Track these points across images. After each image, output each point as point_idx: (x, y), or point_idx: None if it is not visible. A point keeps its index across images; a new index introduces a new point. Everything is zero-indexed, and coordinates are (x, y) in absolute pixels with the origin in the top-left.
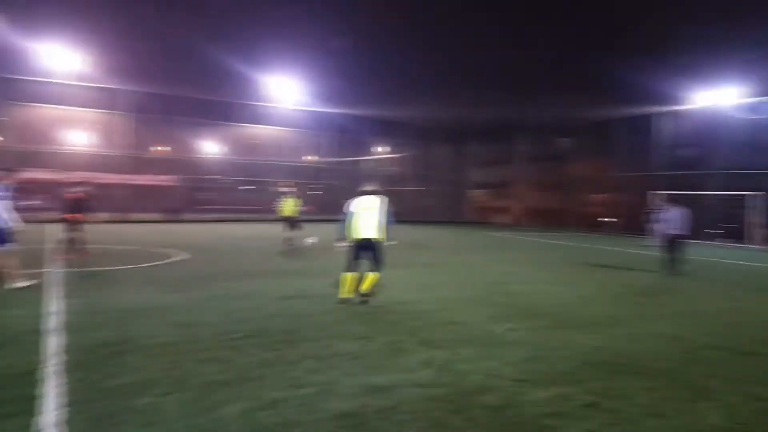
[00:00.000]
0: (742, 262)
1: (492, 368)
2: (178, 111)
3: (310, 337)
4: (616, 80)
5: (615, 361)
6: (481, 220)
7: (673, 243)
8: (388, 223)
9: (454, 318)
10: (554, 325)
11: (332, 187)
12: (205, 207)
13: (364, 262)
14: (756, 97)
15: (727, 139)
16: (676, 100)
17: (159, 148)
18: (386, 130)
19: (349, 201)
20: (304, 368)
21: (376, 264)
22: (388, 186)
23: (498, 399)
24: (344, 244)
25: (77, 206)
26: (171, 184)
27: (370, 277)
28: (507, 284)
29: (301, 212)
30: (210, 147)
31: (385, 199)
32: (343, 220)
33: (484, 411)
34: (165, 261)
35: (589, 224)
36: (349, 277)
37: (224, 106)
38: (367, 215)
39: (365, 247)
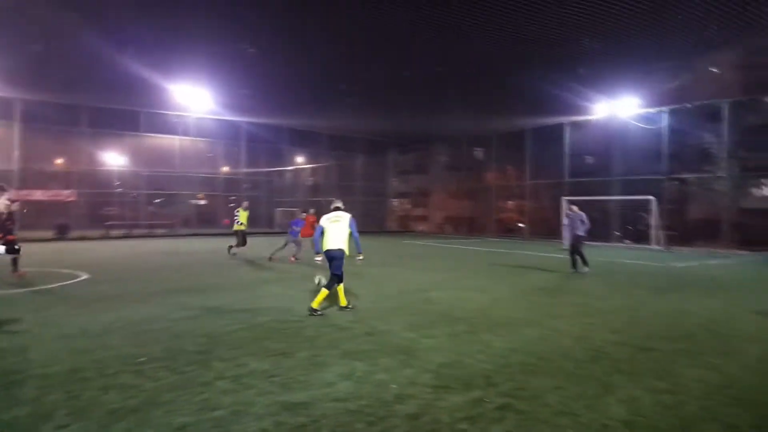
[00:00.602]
0: (641, 262)
1: (410, 376)
2: (76, 121)
3: (224, 357)
4: (527, 92)
5: (527, 362)
6: (402, 229)
7: (577, 244)
8: (357, 237)
9: (375, 328)
10: (471, 330)
11: (249, 198)
12: (110, 223)
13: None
14: (651, 107)
15: (626, 148)
16: (582, 111)
17: (57, 161)
18: (303, 140)
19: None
20: (216, 390)
21: (330, 279)
22: (309, 197)
23: (415, 407)
24: (320, 257)
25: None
26: (68, 199)
27: (321, 294)
28: (426, 292)
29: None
30: (113, 159)
31: (350, 215)
32: (320, 234)
33: (401, 420)
34: (64, 282)
35: (504, 230)
36: (339, 288)
37: (129, 115)
38: (334, 229)
39: (331, 258)
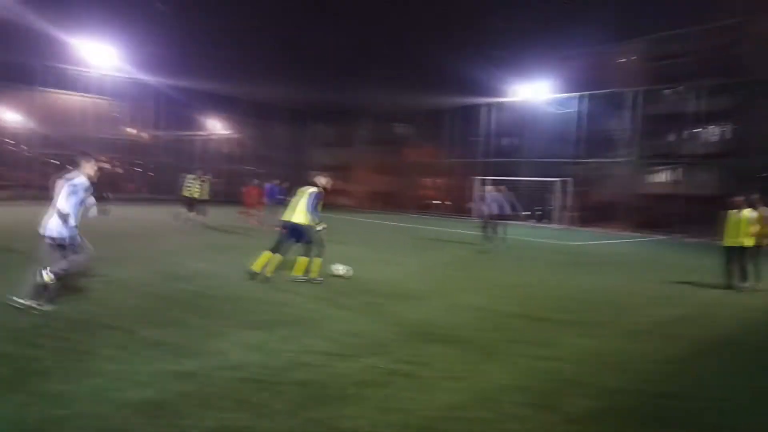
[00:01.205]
0: (546, 241)
1: (307, 345)
2: None
3: (111, 325)
4: (449, 72)
5: (428, 331)
6: (324, 202)
7: (492, 222)
8: (311, 210)
9: (280, 299)
10: (380, 302)
11: (161, 165)
12: None
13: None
14: (563, 92)
15: (538, 131)
16: (499, 93)
17: None
18: (220, 105)
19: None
20: (100, 357)
21: (307, 249)
22: (226, 166)
23: (306, 374)
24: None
25: None
26: None
27: (299, 262)
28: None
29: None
30: (5, 115)
31: (316, 190)
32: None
33: (291, 387)
34: None
35: (423, 206)
36: (265, 254)
37: (22, 68)
38: (296, 201)
39: (292, 230)
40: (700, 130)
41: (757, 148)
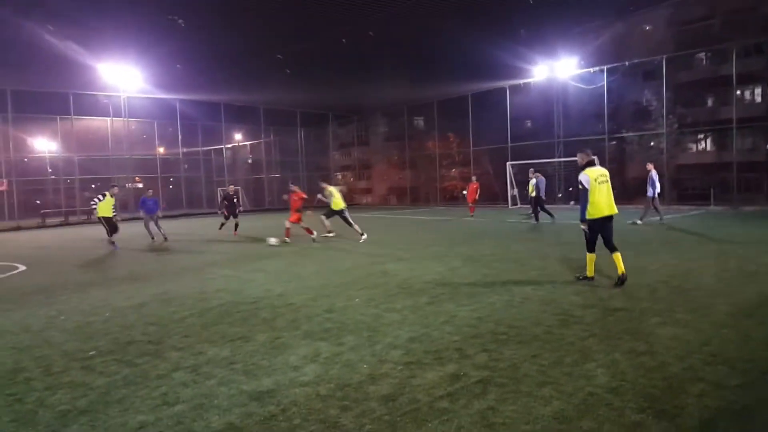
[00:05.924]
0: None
1: (379, 354)
2: (1, 106)
3: (179, 346)
4: (468, 56)
5: (497, 331)
6: (347, 202)
7: (537, 205)
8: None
9: (334, 305)
10: (433, 301)
11: (187, 180)
12: (45, 211)
13: None
14: (587, 67)
15: (567, 109)
16: (522, 74)
17: None
18: (240, 116)
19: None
20: (175, 382)
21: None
22: (249, 175)
23: (389, 387)
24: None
25: None
26: (0, 188)
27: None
28: (381, 264)
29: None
30: (44, 144)
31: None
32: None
33: (377, 403)
34: None
35: (448, 198)
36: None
37: (57, 97)
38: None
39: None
40: (737, 93)
41: None
